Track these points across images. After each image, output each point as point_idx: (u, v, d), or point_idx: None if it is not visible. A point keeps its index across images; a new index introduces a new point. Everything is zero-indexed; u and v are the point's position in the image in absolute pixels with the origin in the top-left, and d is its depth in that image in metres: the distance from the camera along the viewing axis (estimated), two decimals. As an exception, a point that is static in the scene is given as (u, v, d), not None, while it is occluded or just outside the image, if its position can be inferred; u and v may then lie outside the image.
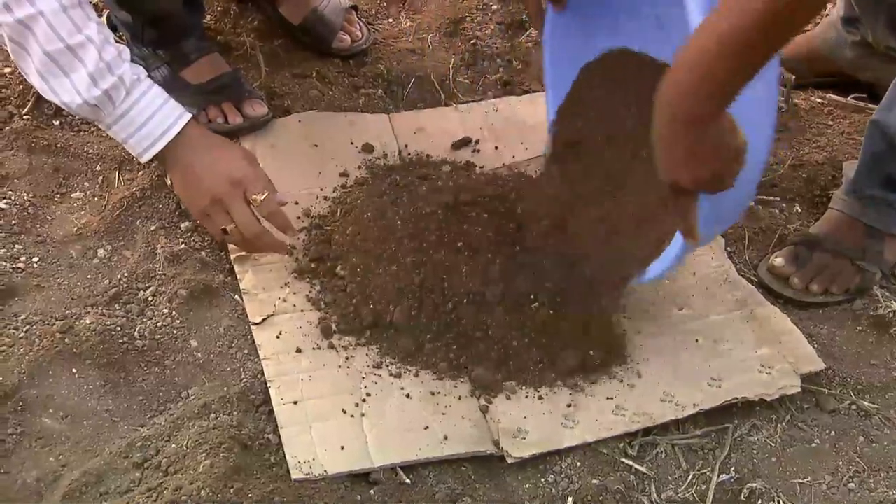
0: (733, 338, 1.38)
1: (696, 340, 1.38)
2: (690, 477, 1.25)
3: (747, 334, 1.38)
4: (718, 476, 1.24)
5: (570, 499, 1.21)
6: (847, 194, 1.52)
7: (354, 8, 1.84)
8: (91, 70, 1.24)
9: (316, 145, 1.61)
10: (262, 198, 1.33)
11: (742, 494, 1.23)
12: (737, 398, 1.29)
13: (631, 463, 1.25)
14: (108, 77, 1.25)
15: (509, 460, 1.23)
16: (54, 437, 1.22)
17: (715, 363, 1.35)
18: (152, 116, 1.29)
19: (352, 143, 1.62)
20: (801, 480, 1.25)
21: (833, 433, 1.31)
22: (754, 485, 1.23)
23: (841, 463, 1.28)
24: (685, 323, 1.40)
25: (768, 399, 1.30)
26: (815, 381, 1.35)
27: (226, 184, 1.33)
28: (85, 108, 1.27)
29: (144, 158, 1.32)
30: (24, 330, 1.32)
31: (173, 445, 1.21)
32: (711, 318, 1.41)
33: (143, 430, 1.23)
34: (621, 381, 1.32)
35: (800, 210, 1.62)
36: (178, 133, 1.31)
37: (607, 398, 1.30)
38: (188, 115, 1.32)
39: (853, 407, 1.34)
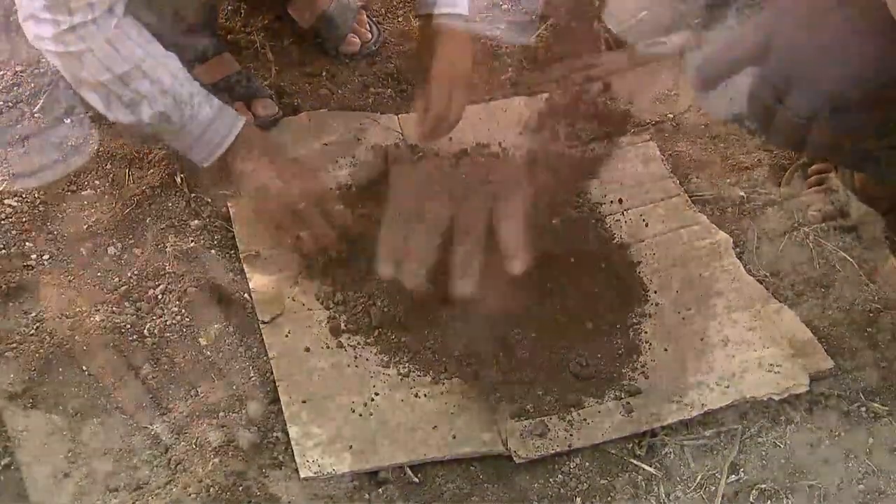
0: (741, 337, 1.37)
1: (703, 340, 1.38)
2: (699, 478, 1.25)
3: (755, 333, 1.38)
4: (727, 477, 1.24)
5: (578, 499, 1.21)
6: None
7: (364, 8, 1.84)
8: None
9: (325, 144, 1.61)
10: None
11: (751, 495, 1.23)
12: (745, 398, 1.29)
13: (639, 463, 1.25)
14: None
15: (517, 460, 1.23)
16: (63, 434, 1.22)
17: (722, 363, 1.34)
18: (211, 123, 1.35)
19: (361, 143, 1.62)
20: (810, 482, 1.25)
21: (843, 435, 1.31)
22: (763, 486, 1.23)
23: (850, 465, 1.27)
24: (692, 323, 1.40)
25: (777, 398, 1.30)
26: (825, 382, 1.34)
27: None
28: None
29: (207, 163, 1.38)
30: (35, 327, 1.32)
31: (182, 443, 1.21)
32: (719, 318, 1.40)
33: (152, 427, 1.24)
34: (629, 381, 1.32)
35: (809, 210, 1.62)
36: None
37: (615, 399, 1.30)
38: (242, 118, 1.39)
39: (863, 409, 1.33)
